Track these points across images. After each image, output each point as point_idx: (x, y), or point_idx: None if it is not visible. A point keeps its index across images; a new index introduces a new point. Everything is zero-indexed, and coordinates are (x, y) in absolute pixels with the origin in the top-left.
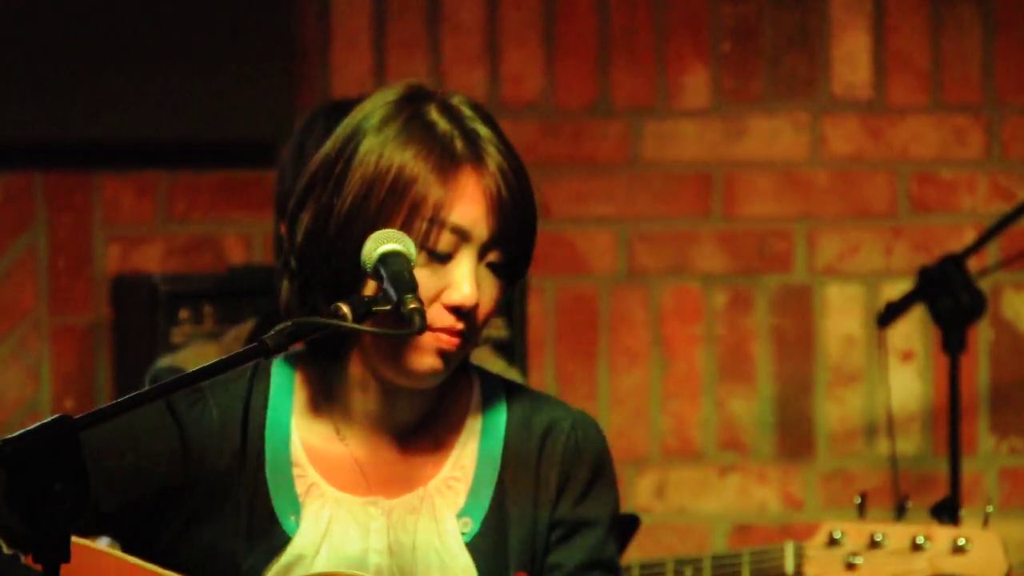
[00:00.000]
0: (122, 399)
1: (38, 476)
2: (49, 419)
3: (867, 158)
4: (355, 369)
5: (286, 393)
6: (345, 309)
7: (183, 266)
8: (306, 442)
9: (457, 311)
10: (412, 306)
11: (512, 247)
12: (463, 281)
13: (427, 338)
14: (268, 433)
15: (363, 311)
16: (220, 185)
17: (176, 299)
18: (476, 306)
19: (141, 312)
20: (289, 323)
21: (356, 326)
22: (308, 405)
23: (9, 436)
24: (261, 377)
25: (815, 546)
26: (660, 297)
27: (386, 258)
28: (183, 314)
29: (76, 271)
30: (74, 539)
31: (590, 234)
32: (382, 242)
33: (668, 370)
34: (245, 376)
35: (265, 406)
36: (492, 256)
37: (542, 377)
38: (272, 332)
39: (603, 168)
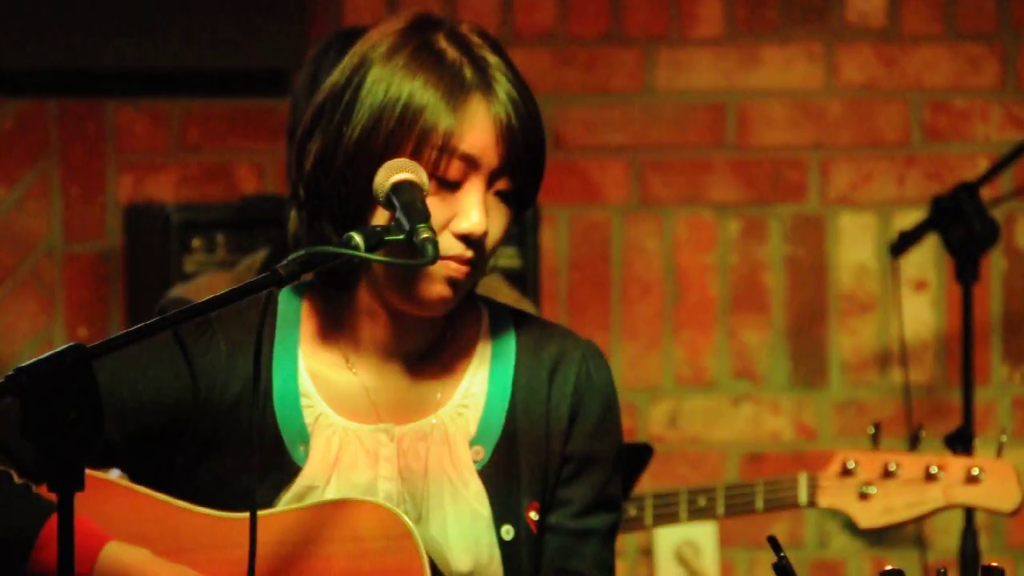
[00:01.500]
0: (130, 330)
1: (52, 405)
2: (62, 348)
3: (881, 87)
4: (364, 298)
5: (293, 323)
6: (358, 238)
7: (196, 195)
8: (313, 372)
9: (466, 239)
10: (425, 236)
11: (521, 175)
12: (472, 209)
13: (436, 266)
14: (275, 364)
15: (375, 241)
16: (233, 114)
17: (189, 228)
18: (485, 234)
19: (154, 241)
20: (302, 252)
21: (369, 255)
22: (316, 335)
23: (23, 365)
24: (268, 308)
25: (828, 476)
26: (673, 226)
27: (399, 187)
28: (196, 243)
29: (89, 199)
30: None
31: (603, 163)
32: (395, 171)
33: (681, 300)
34: (253, 307)
35: (272, 337)
36: (501, 184)
37: (554, 307)
38: (285, 261)
39: (616, 97)
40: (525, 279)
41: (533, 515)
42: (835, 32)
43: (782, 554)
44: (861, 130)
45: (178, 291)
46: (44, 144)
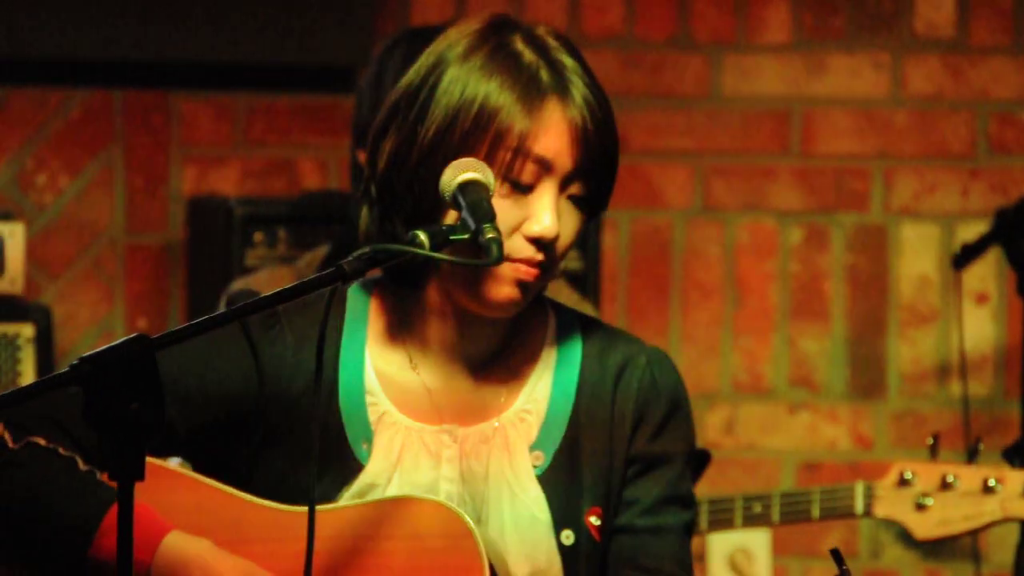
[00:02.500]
0: (198, 320)
1: (115, 395)
2: (126, 338)
3: (947, 98)
4: (432, 297)
5: (361, 320)
6: (423, 237)
7: (258, 189)
8: (379, 370)
9: (537, 242)
10: (490, 236)
11: (594, 179)
12: (544, 212)
13: (506, 268)
14: (342, 360)
15: (441, 239)
16: (297, 109)
17: (251, 222)
18: (556, 238)
19: (216, 234)
20: (367, 249)
21: (433, 254)
22: (383, 333)
23: (87, 354)
24: (336, 304)
25: (885, 486)
26: (735, 232)
27: (465, 187)
28: (257, 237)
29: (152, 191)
30: (147, 458)
31: (667, 167)
32: (461, 170)
33: (741, 306)
34: (320, 302)
35: (340, 333)
36: (574, 188)
37: (614, 310)
38: (350, 258)
39: (682, 101)
40: (586, 281)
41: (594, 520)
42: (902, 42)
43: (844, 567)
44: (926, 141)
45: (241, 284)
46: (109, 135)
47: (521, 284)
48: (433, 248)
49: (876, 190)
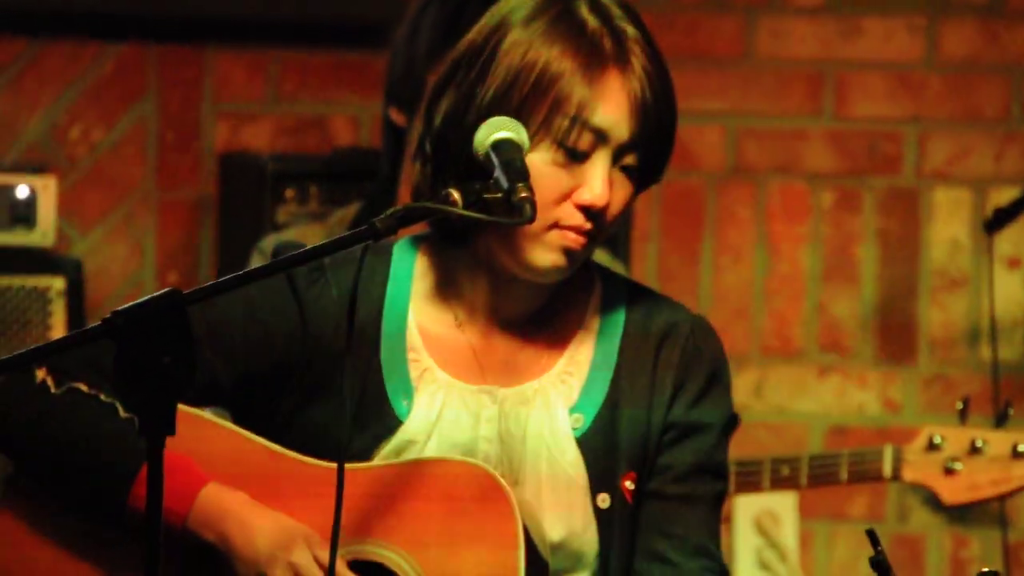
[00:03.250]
0: (240, 273)
1: (147, 349)
2: (159, 292)
3: (982, 62)
4: (478, 257)
5: (406, 276)
6: (456, 195)
7: (290, 145)
8: (422, 327)
9: (587, 211)
10: (523, 195)
11: (649, 151)
12: (596, 181)
13: (553, 235)
14: (385, 315)
15: (474, 198)
16: (331, 65)
17: (283, 178)
18: (606, 207)
19: (247, 190)
20: (400, 207)
21: (465, 212)
22: (428, 290)
23: (120, 308)
24: (381, 259)
25: (914, 450)
26: (767, 195)
27: (498, 145)
28: (289, 193)
29: (184, 146)
30: (183, 408)
31: (699, 129)
32: (495, 129)
33: (771, 269)
34: (358, 258)
35: (384, 288)
36: (628, 159)
37: (644, 271)
38: (383, 215)
39: (715, 62)
40: (617, 242)
41: (629, 484)
42: (938, 5)
43: (880, 548)
44: (960, 104)
45: (271, 241)
46: (142, 89)
47: (568, 251)
48: (465, 206)
49: (909, 154)
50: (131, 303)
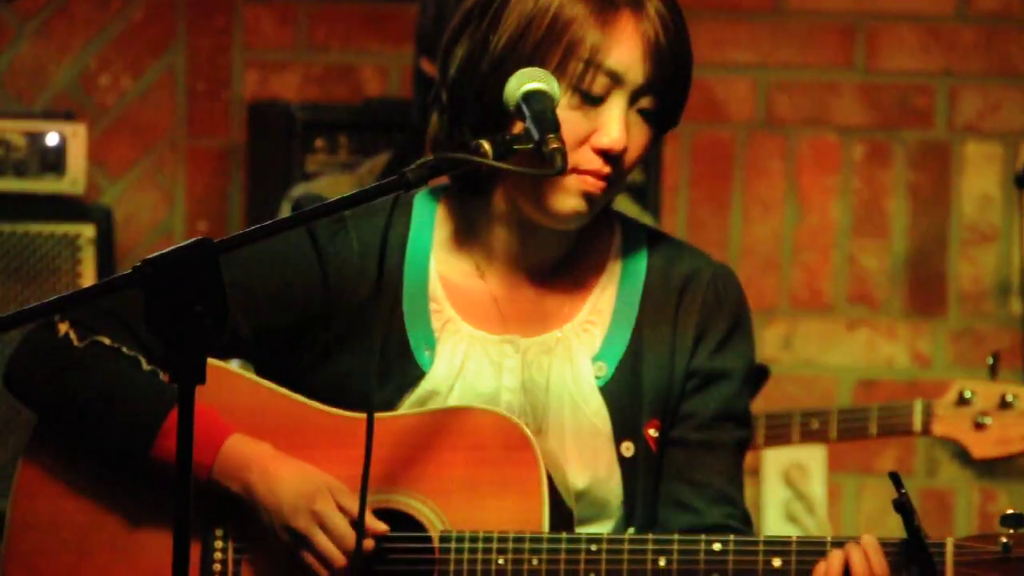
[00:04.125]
0: (264, 224)
1: (177, 297)
2: (189, 241)
3: (1014, 15)
4: (499, 206)
5: (427, 227)
6: (486, 146)
7: (319, 95)
8: (444, 277)
9: (605, 155)
10: (554, 146)
11: (665, 94)
12: (613, 124)
13: (572, 180)
14: (407, 267)
15: (504, 149)
16: (361, 16)
17: (312, 128)
18: (624, 151)
19: (277, 139)
20: (430, 157)
21: (496, 163)
22: (449, 240)
23: (150, 257)
24: (402, 210)
25: (944, 404)
26: (797, 147)
27: (529, 96)
28: (318, 143)
29: (213, 94)
30: (209, 360)
31: (729, 80)
32: (527, 80)
33: (801, 221)
34: (385, 209)
35: (405, 239)
36: (644, 102)
37: (674, 223)
38: (413, 166)
39: (746, 14)
40: (646, 194)
41: (652, 432)
42: None
43: (903, 490)
44: (992, 58)
45: (302, 189)
46: (171, 37)
47: (587, 196)
48: (496, 157)
49: (940, 107)
50: (160, 251)
